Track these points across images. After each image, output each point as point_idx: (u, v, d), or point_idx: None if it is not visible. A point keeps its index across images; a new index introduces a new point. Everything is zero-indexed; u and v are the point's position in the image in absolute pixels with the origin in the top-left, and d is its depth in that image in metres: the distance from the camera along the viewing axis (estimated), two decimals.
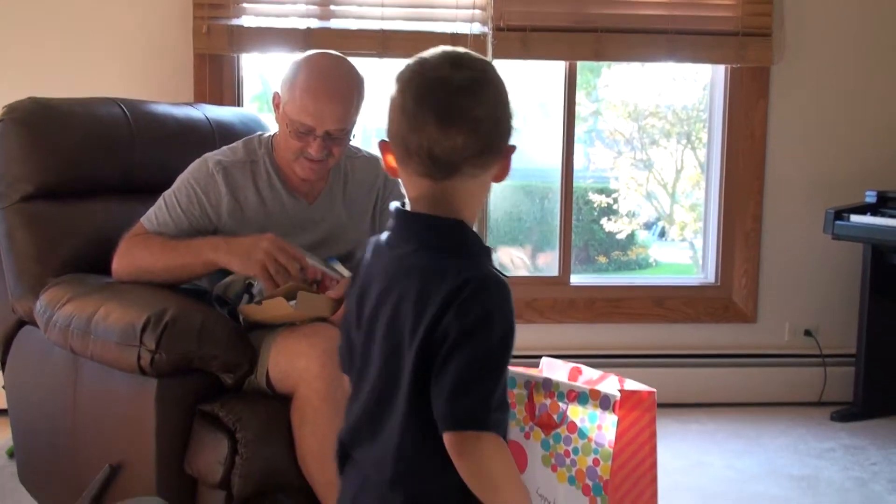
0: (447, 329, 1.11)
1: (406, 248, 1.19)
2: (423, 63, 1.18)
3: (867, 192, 3.45)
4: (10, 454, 2.76)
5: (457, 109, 1.14)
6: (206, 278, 2.10)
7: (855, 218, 3.39)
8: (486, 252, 1.21)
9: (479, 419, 1.10)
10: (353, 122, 2.08)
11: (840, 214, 3.41)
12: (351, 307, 1.26)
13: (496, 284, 1.15)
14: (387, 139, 1.21)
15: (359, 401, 1.22)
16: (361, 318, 1.22)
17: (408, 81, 1.17)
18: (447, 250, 1.17)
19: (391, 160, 1.21)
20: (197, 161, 2.14)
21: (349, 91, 2.04)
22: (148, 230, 2.12)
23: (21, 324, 2.29)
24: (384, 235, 1.24)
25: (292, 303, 1.91)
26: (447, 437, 1.10)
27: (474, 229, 1.23)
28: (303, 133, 2.03)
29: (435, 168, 1.16)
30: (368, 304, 1.21)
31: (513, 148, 1.21)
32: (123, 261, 2.10)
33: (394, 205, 1.24)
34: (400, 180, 1.23)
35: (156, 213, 2.12)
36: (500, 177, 1.22)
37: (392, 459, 1.16)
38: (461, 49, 1.20)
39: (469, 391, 1.10)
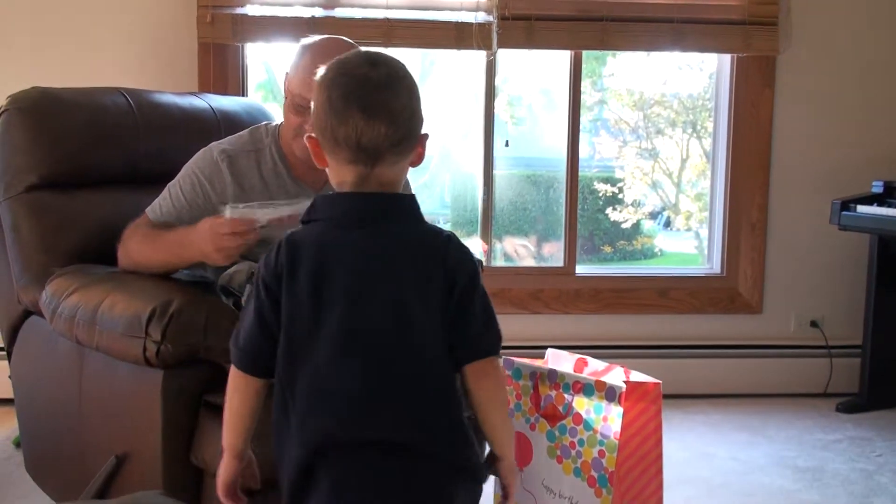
0: (454, 278, 1.28)
1: (374, 225, 1.31)
2: (344, 64, 1.32)
3: (874, 183, 3.44)
4: (17, 444, 2.76)
5: (378, 103, 1.28)
6: (211, 269, 2.10)
7: (861, 208, 3.38)
8: None
9: (499, 345, 1.33)
10: None
11: (846, 205, 3.40)
12: (302, 298, 1.27)
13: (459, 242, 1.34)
14: (313, 135, 1.34)
15: (342, 383, 1.24)
16: (322, 303, 1.27)
17: (332, 80, 1.31)
18: (415, 219, 1.34)
19: (319, 152, 1.35)
20: (202, 150, 2.14)
21: None
22: (152, 220, 2.13)
23: (27, 314, 2.29)
24: (327, 220, 1.32)
25: None
26: (477, 365, 1.31)
27: None
28: (302, 108, 2.02)
29: (363, 155, 1.29)
30: (338, 284, 1.27)
31: (426, 136, 1.35)
32: (122, 251, 2.12)
33: (328, 195, 1.34)
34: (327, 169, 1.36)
35: (160, 204, 2.13)
36: (415, 162, 1.36)
37: (425, 412, 1.26)
38: (374, 50, 1.37)
39: (490, 323, 1.32)
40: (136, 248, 2.08)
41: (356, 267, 1.27)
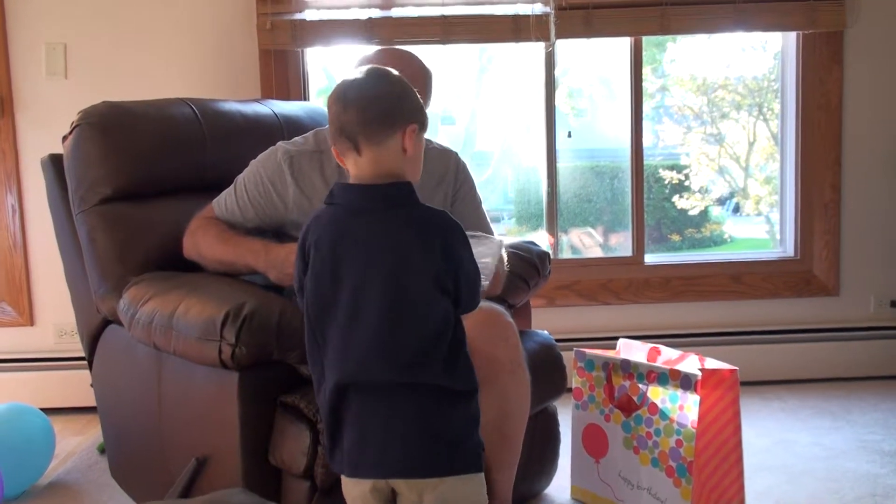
0: (452, 249, 1.53)
1: (381, 210, 1.54)
2: (352, 79, 1.58)
3: None
4: (102, 450, 2.84)
5: (353, 93, 1.54)
6: None
7: None
8: None
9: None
10: None
11: None
12: (324, 265, 1.54)
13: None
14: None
15: (358, 337, 1.51)
16: (338, 270, 1.53)
17: (341, 92, 1.57)
18: (412, 202, 1.55)
19: (338, 154, 1.59)
20: (268, 150, 2.19)
21: (415, 86, 2.05)
22: (216, 214, 2.19)
23: (106, 323, 2.35)
24: (340, 206, 1.56)
25: None
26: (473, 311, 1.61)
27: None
28: None
29: (347, 141, 1.54)
30: (351, 256, 1.53)
31: (413, 127, 1.56)
32: (189, 240, 2.19)
33: (340, 184, 1.57)
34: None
35: (226, 198, 2.19)
36: (407, 151, 1.56)
37: (424, 355, 1.50)
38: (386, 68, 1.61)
39: (478, 283, 1.60)
40: (205, 242, 2.15)
41: (365, 241, 1.52)
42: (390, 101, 1.55)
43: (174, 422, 2.08)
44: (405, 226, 1.53)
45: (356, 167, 1.56)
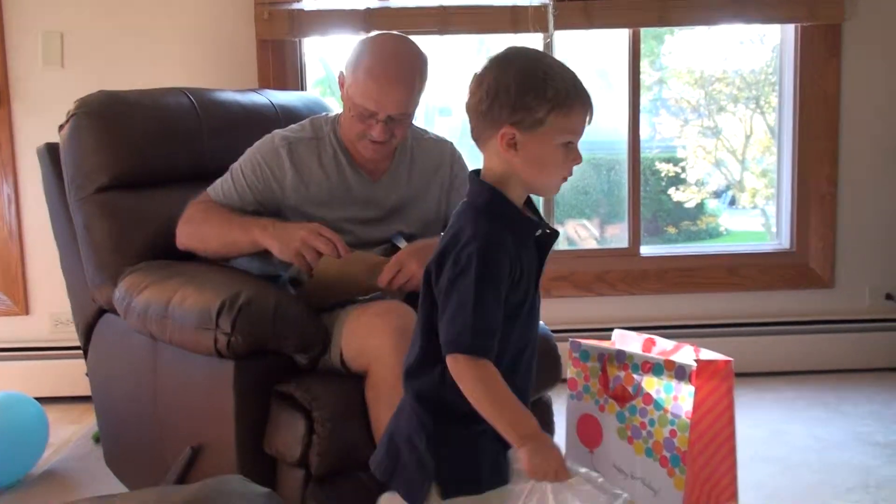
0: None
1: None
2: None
3: None
4: (97, 439, 2.85)
5: (476, 81, 1.43)
6: (280, 262, 2.13)
7: None
8: (492, 210, 1.44)
9: (456, 342, 1.38)
10: (416, 104, 2.10)
11: None
12: None
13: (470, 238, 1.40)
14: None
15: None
16: None
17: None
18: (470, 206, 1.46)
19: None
20: (265, 137, 2.19)
21: (411, 75, 2.05)
22: (213, 199, 2.18)
23: (101, 312, 2.36)
24: None
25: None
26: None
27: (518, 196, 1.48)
28: (366, 116, 2.05)
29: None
30: None
31: (506, 130, 1.40)
32: (187, 227, 2.17)
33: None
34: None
35: (222, 185, 2.18)
36: (502, 151, 1.42)
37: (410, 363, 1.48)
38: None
39: (454, 318, 1.40)
40: (207, 222, 2.13)
41: None
42: (493, 96, 1.45)
43: (170, 411, 2.08)
44: None
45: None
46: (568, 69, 1.43)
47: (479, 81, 1.42)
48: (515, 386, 1.42)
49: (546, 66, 1.41)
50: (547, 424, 2.48)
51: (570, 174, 1.50)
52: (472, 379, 1.36)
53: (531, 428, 1.37)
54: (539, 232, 1.49)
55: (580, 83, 1.42)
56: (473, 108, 1.43)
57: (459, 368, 1.37)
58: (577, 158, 1.47)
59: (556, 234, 1.53)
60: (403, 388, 1.50)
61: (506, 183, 1.45)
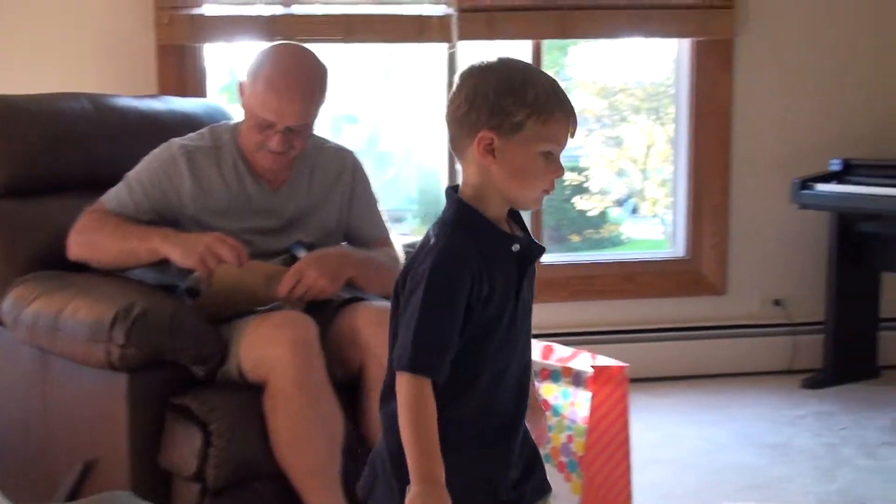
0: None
1: None
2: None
3: (832, 161, 3.48)
4: None
5: (455, 88, 1.36)
6: (177, 272, 2.10)
7: (820, 186, 3.43)
8: (458, 224, 1.36)
9: (403, 359, 1.30)
10: (315, 115, 2.10)
11: (806, 184, 3.44)
12: None
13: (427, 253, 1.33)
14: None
15: None
16: None
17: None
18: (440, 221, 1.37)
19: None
20: (163, 144, 2.15)
21: (310, 86, 2.05)
22: (108, 209, 2.12)
23: None
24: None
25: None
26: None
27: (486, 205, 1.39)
28: (264, 127, 2.04)
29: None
30: None
31: (483, 134, 1.32)
32: (79, 236, 2.10)
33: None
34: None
35: (117, 193, 2.13)
36: (479, 158, 1.34)
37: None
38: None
39: (405, 334, 1.32)
40: (102, 231, 2.07)
41: None
42: (470, 103, 1.38)
43: (60, 425, 2.03)
44: None
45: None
46: (550, 78, 1.39)
47: (459, 88, 1.37)
48: (496, 408, 1.38)
49: (526, 73, 1.37)
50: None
51: (552, 187, 1.42)
52: (405, 397, 1.29)
53: (433, 474, 1.27)
54: (516, 247, 1.43)
55: (562, 92, 1.38)
56: (452, 115, 1.36)
57: (399, 385, 1.30)
58: (559, 170, 1.39)
59: (540, 249, 1.47)
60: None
61: (483, 197, 1.38)
